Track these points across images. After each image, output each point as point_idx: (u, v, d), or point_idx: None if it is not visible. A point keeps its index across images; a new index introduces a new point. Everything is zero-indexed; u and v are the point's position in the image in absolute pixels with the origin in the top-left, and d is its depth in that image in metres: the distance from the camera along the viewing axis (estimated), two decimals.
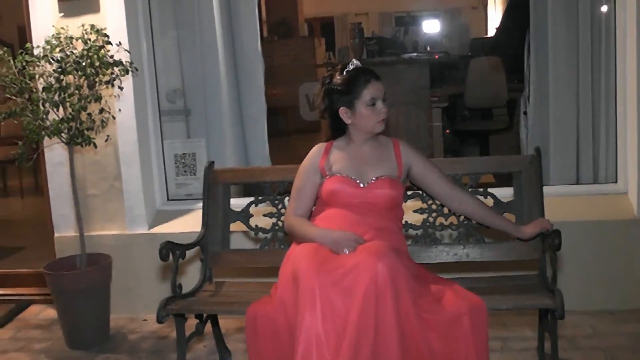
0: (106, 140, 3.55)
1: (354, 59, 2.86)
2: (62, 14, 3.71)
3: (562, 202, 3.60)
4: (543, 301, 2.67)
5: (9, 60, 3.33)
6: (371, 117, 2.77)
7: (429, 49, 9.67)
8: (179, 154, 4.08)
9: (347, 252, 2.52)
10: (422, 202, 3.06)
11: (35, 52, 3.40)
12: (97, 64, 3.33)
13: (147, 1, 3.93)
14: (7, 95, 3.39)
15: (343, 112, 2.80)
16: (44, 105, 3.35)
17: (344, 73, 2.81)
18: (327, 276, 2.36)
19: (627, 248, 3.51)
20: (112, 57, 3.40)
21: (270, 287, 2.74)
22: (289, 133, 8.66)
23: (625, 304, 3.51)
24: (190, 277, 3.47)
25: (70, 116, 3.35)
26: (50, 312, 3.93)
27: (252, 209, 3.22)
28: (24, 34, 3.88)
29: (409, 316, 2.35)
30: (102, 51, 3.36)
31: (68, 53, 3.35)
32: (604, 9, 3.80)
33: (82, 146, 3.43)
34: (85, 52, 3.33)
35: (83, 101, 3.34)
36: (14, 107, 3.36)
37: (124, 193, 3.85)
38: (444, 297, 2.52)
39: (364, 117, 2.78)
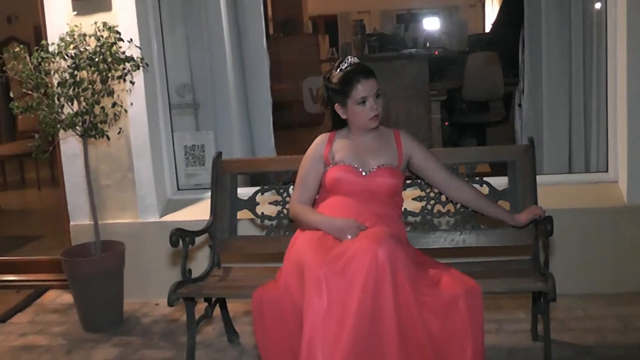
0: (119, 133, 3.58)
1: (349, 56, 2.86)
2: (75, 13, 3.72)
3: (554, 191, 3.63)
4: (536, 285, 2.72)
5: (25, 57, 3.36)
6: (362, 114, 2.79)
7: (428, 45, 9.73)
8: (188, 146, 4.11)
9: (349, 239, 2.56)
10: (421, 191, 3.09)
11: (50, 49, 3.43)
12: (109, 59, 3.36)
13: None
14: (24, 90, 3.40)
15: (338, 108, 2.85)
16: (59, 100, 3.39)
17: (338, 71, 2.83)
18: (331, 265, 2.40)
19: (617, 234, 3.55)
20: (123, 53, 3.43)
21: (275, 271, 2.77)
22: (294, 126, 8.60)
23: (615, 287, 3.55)
24: (200, 263, 3.53)
25: (84, 110, 3.39)
26: (67, 297, 3.99)
27: (258, 198, 3.27)
28: (39, 32, 3.91)
29: (408, 300, 2.38)
30: (114, 47, 3.39)
31: (82, 50, 3.38)
32: (597, 5, 3.82)
33: (95, 138, 3.48)
34: (98, 49, 3.37)
35: (96, 95, 3.39)
36: (31, 101, 3.39)
37: (136, 183, 3.88)
38: (441, 280, 2.55)
39: (355, 115, 2.81)
